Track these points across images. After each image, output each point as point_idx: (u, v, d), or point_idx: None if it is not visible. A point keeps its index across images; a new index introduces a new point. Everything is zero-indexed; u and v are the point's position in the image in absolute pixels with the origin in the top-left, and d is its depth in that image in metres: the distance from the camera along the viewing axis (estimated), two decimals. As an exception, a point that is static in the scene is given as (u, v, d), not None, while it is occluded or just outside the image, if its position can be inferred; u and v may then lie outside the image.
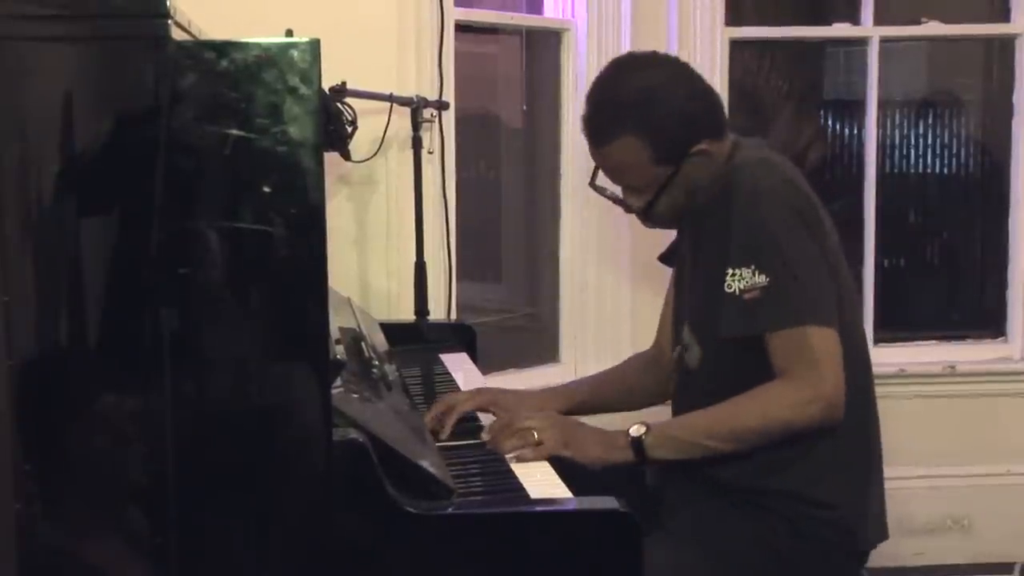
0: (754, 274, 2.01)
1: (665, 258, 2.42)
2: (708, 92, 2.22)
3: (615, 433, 2.07)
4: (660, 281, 2.53)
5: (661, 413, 2.37)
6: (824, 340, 2.00)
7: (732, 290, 2.03)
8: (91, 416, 1.58)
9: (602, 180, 2.28)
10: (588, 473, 1.99)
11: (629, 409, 2.48)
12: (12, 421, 1.56)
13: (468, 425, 2.18)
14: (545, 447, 2.01)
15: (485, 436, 2.10)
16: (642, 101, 2.13)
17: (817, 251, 2.06)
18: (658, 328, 2.53)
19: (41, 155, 1.54)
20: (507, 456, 1.99)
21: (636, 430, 2.04)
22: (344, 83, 2.62)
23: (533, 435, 2.02)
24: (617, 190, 2.28)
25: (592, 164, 2.27)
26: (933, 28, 3.88)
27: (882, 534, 2.20)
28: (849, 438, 2.10)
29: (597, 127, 2.18)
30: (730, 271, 2.03)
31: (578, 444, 2.04)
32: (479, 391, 2.32)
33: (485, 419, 2.23)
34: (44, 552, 1.58)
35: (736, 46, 3.70)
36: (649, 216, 2.24)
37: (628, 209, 2.26)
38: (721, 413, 2.05)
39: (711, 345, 2.15)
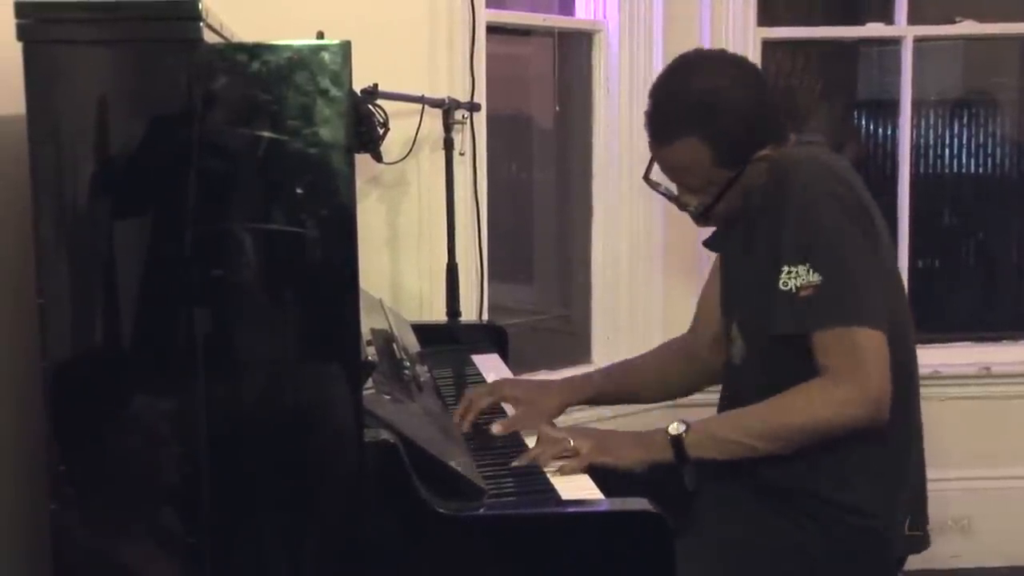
0: (809, 272, 1.98)
1: (710, 243, 2.39)
2: (773, 97, 2.20)
3: (652, 432, 2.04)
4: (693, 282, 2.51)
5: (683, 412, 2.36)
6: (872, 342, 1.96)
7: (788, 288, 2.00)
8: (125, 417, 1.59)
9: (656, 175, 2.25)
10: (621, 476, 1.96)
11: (648, 401, 2.44)
12: (47, 422, 1.57)
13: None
14: (585, 456, 1.96)
15: (494, 428, 2.10)
16: (709, 103, 2.10)
17: (870, 252, 2.04)
18: (695, 315, 2.50)
19: (75, 158, 1.55)
20: (549, 470, 1.93)
21: (675, 428, 2.00)
22: (376, 85, 2.63)
23: (569, 442, 1.98)
24: (671, 186, 2.26)
25: (645, 160, 2.24)
26: (967, 27, 3.85)
27: (919, 543, 2.17)
28: (880, 444, 2.06)
29: (660, 124, 2.15)
30: (785, 268, 2.00)
31: (615, 449, 2.00)
32: (495, 385, 2.31)
33: (511, 411, 2.23)
34: (78, 552, 1.59)
35: (768, 46, 3.70)
36: (705, 217, 2.22)
37: (683, 208, 2.23)
38: (763, 411, 2.02)
39: (756, 342, 2.13)
